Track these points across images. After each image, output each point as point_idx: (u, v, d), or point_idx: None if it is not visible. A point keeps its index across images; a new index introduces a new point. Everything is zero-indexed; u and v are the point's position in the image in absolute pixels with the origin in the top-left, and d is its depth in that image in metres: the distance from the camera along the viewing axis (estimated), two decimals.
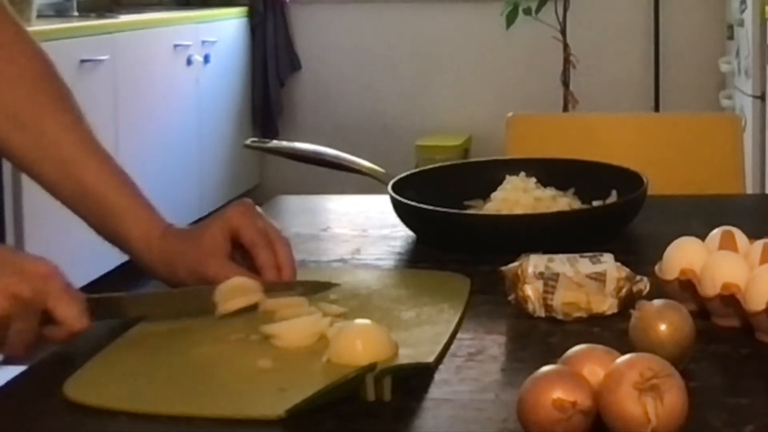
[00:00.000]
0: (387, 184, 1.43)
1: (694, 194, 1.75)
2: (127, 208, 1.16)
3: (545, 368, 0.80)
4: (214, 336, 1.03)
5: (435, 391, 0.90)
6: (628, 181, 1.42)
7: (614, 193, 1.43)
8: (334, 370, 0.92)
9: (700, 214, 1.44)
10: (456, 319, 1.05)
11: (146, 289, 1.20)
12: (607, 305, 1.06)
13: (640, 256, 1.20)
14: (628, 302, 1.04)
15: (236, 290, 1.08)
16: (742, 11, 4.44)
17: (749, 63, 4.31)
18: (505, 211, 1.39)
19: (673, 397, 0.76)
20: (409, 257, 1.35)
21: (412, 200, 1.37)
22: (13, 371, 0.97)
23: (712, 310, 1.03)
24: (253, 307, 1.08)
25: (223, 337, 1.02)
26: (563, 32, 5.05)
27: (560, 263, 1.07)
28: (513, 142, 2.07)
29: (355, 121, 5.61)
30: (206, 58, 4.92)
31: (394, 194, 1.39)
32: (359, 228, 1.48)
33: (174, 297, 1.12)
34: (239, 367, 0.95)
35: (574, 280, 1.06)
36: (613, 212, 1.39)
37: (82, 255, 3.51)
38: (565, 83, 5.08)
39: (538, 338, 1.02)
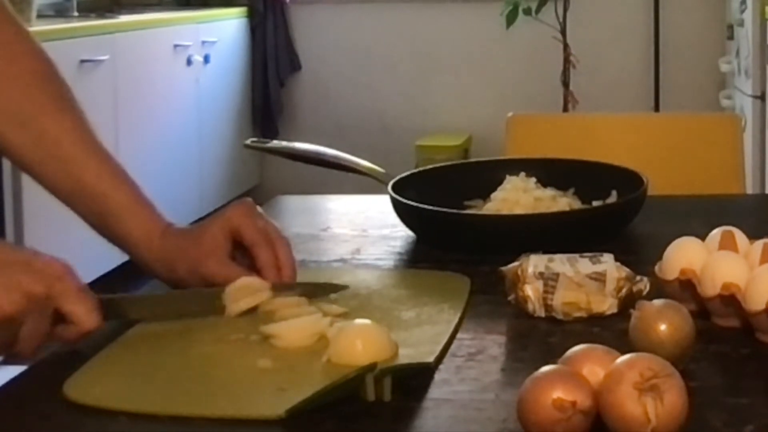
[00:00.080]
0: (387, 184, 1.43)
1: (694, 194, 1.75)
2: (127, 207, 1.16)
3: (545, 368, 0.80)
4: (214, 336, 1.03)
5: (435, 391, 0.90)
6: (628, 181, 1.42)
7: (614, 193, 1.43)
8: (334, 370, 0.91)
9: (700, 214, 1.44)
10: (456, 319, 1.05)
11: (152, 290, 1.20)
12: (607, 305, 1.06)
13: (640, 256, 1.20)
14: (628, 302, 1.04)
15: (244, 290, 1.08)
16: (742, 11, 4.44)
17: (749, 63, 4.31)
18: (505, 211, 1.39)
19: (673, 397, 0.76)
20: (409, 257, 1.35)
21: (412, 200, 1.37)
22: (13, 371, 0.97)
23: (712, 310, 1.03)
24: (254, 308, 1.08)
25: (223, 337, 1.02)
26: (563, 32, 5.05)
27: (560, 263, 1.07)
28: (513, 142, 2.07)
29: (355, 121, 5.61)
30: (206, 58, 4.92)
31: (394, 194, 1.39)
32: (359, 228, 1.48)
33: (183, 298, 1.12)
34: (239, 367, 0.95)
35: (574, 280, 1.06)
36: (613, 212, 1.39)
37: (82, 255, 3.51)
38: (565, 83, 5.08)
39: (538, 338, 1.02)
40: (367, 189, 1.64)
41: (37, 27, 3.83)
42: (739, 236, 1.11)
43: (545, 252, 1.09)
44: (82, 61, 3.85)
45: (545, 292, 1.06)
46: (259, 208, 1.16)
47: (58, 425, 0.88)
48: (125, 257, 1.18)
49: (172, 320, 1.07)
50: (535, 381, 0.78)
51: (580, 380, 0.78)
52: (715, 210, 1.53)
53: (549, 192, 1.42)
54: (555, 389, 0.77)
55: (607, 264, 1.07)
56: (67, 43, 3.80)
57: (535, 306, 1.06)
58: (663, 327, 0.90)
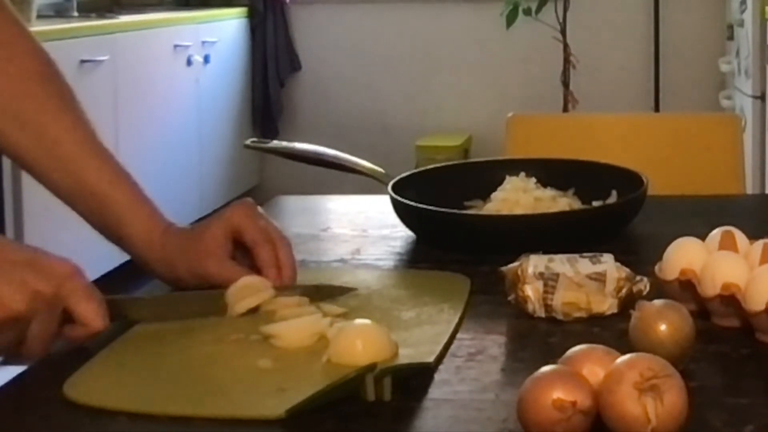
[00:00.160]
0: (387, 185, 1.43)
1: (694, 194, 1.75)
2: (127, 206, 1.16)
3: (545, 368, 0.80)
4: (214, 336, 1.03)
5: (435, 391, 0.90)
6: (628, 181, 1.42)
7: (614, 193, 1.43)
8: (334, 370, 0.91)
9: (700, 214, 1.44)
10: (456, 319, 1.05)
11: (153, 290, 1.20)
12: (607, 305, 1.06)
13: (640, 256, 1.20)
14: (628, 302, 1.04)
15: (247, 290, 1.08)
16: (742, 11, 4.44)
17: (749, 63, 4.31)
18: (505, 212, 1.39)
19: (673, 397, 0.76)
20: (409, 257, 1.35)
21: (412, 200, 1.37)
22: (13, 371, 0.97)
23: (712, 310, 1.03)
24: (255, 307, 1.08)
25: (223, 337, 1.02)
26: (563, 32, 5.05)
27: (560, 263, 1.07)
28: (513, 142, 2.07)
29: (355, 121, 5.61)
30: (206, 59, 4.92)
31: (394, 194, 1.39)
32: (359, 228, 1.48)
33: (185, 299, 1.12)
34: (239, 367, 0.95)
35: (574, 281, 1.06)
36: (613, 212, 1.39)
37: (82, 255, 3.50)
38: (565, 83, 5.08)
39: (538, 338, 1.02)
40: (367, 189, 1.64)
41: (37, 27, 3.83)
42: (739, 236, 1.11)
43: (545, 252, 1.09)
44: (82, 62, 3.85)
45: (545, 292, 1.06)
46: (259, 208, 1.16)
47: (58, 425, 0.88)
48: (126, 257, 1.18)
49: (173, 321, 1.07)
50: (535, 381, 0.78)
51: (580, 380, 0.78)
52: (715, 210, 1.53)
53: (549, 192, 1.43)
54: (555, 389, 0.77)
55: (607, 264, 1.07)
56: (67, 43, 3.80)
57: (535, 306, 1.06)
58: (663, 327, 0.90)
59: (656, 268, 1.11)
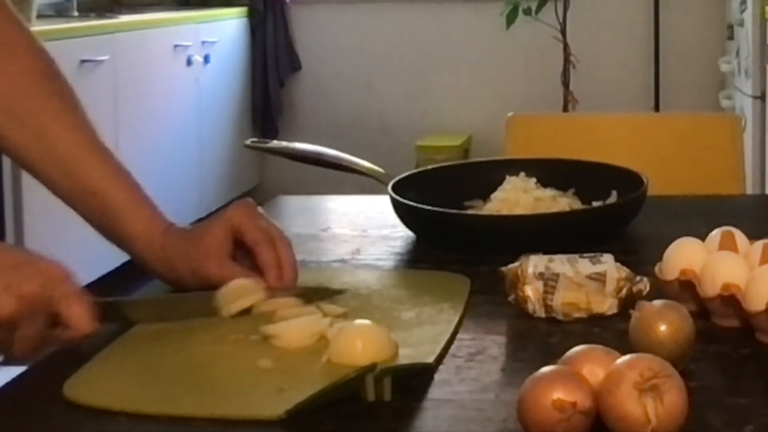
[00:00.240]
0: (387, 185, 1.43)
1: (694, 194, 1.75)
2: (128, 206, 1.16)
3: (545, 368, 0.80)
4: (214, 336, 1.03)
5: (435, 391, 0.90)
6: (628, 181, 1.42)
7: (614, 193, 1.43)
8: (334, 370, 0.92)
9: (700, 214, 1.44)
10: (456, 319, 1.05)
11: (153, 290, 1.20)
12: (607, 305, 1.06)
13: (640, 256, 1.20)
14: (628, 302, 1.04)
15: (238, 291, 1.08)
16: (742, 11, 4.44)
17: (749, 63, 4.31)
18: (505, 212, 1.39)
19: (673, 397, 0.77)
20: (409, 257, 1.35)
21: (412, 200, 1.37)
22: (13, 371, 0.97)
23: (712, 311, 1.03)
24: (248, 309, 1.08)
25: (223, 337, 1.02)
26: (563, 32, 5.04)
27: (560, 263, 1.07)
28: (513, 142, 2.07)
29: (355, 121, 5.61)
30: (206, 59, 4.92)
31: (394, 194, 1.39)
32: (359, 228, 1.48)
33: (177, 301, 1.12)
34: (239, 367, 0.95)
35: (574, 281, 1.06)
36: (613, 212, 1.39)
37: (82, 255, 3.50)
38: (565, 83, 5.08)
39: (538, 338, 1.02)
40: (367, 189, 1.64)
41: (37, 27, 3.83)
42: (739, 236, 1.11)
43: (545, 252, 1.09)
44: (82, 61, 3.85)
45: (545, 292, 1.06)
46: (259, 209, 1.16)
47: (58, 425, 0.88)
48: (126, 257, 1.18)
49: (164, 322, 1.07)
50: (535, 381, 0.78)
51: (580, 381, 0.78)
52: (715, 210, 1.53)
53: (549, 192, 1.43)
54: (555, 390, 0.77)
55: (607, 264, 1.07)
56: (67, 43, 3.80)
57: (535, 306, 1.06)
58: (663, 327, 0.90)
59: (656, 268, 1.11)
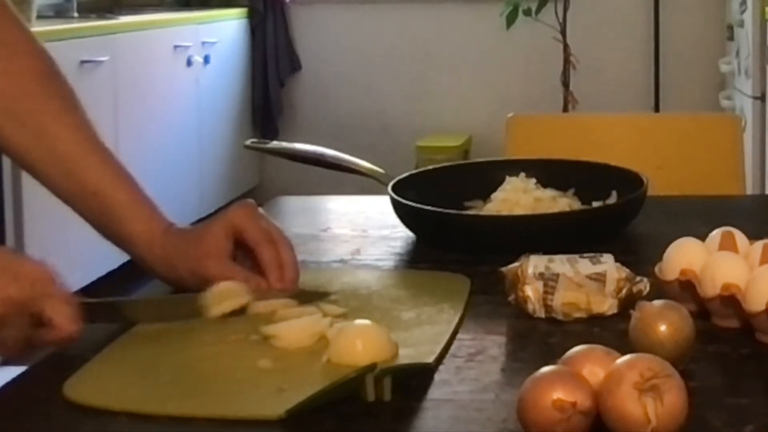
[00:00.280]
0: (387, 185, 1.43)
1: (694, 194, 1.75)
2: (128, 206, 1.16)
3: (545, 369, 0.80)
4: (214, 336, 1.03)
5: (435, 392, 0.90)
6: (628, 181, 1.42)
7: (614, 193, 1.43)
8: (334, 370, 0.92)
9: (700, 214, 1.44)
10: (456, 320, 1.05)
11: (153, 291, 1.20)
12: (607, 306, 1.06)
13: (640, 256, 1.20)
14: (628, 303, 1.04)
15: (225, 294, 1.08)
16: (742, 12, 4.44)
17: (749, 63, 4.31)
18: (505, 212, 1.39)
19: (673, 397, 0.77)
20: (409, 258, 1.35)
21: (412, 201, 1.37)
22: (13, 371, 0.97)
23: (712, 311, 1.03)
24: (241, 311, 1.08)
25: (223, 337, 1.02)
26: (563, 32, 5.04)
27: (560, 264, 1.07)
28: (513, 142, 2.07)
29: (355, 121, 5.61)
30: (206, 59, 4.92)
31: (394, 195, 1.39)
32: (359, 228, 1.48)
33: (163, 303, 1.12)
34: (239, 367, 0.95)
35: (574, 281, 1.06)
36: (613, 212, 1.39)
37: (83, 255, 3.51)
38: (565, 83, 5.08)
39: (538, 338, 1.02)
40: (367, 189, 1.64)
41: (37, 27, 3.82)
42: (739, 237, 1.11)
43: (545, 252, 1.09)
44: (82, 62, 3.85)
45: (545, 292, 1.06)
46: (260, 209, 1.16)
47: (58, 425, 0.88)
48: (126, 257, 1.18)
49: (154, 323, 1.07)
50: (535, 381, 0.78)
51: (580, 381, 0.78)
52: (715, 210, 1.53)
53: (549, 192, 1.43)
54: (555, 390, 0.77)
55: (607, 264, 1.07)
56: (67, 43, 3.80)
57: (535, 306, 1.06)
58: (663, 327, 0.90)
59: (656, 268, 1.11)
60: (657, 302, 0.93)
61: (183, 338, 1.03)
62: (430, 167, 1.58)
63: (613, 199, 1.43)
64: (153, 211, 1.18)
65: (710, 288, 1.02)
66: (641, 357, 0.79)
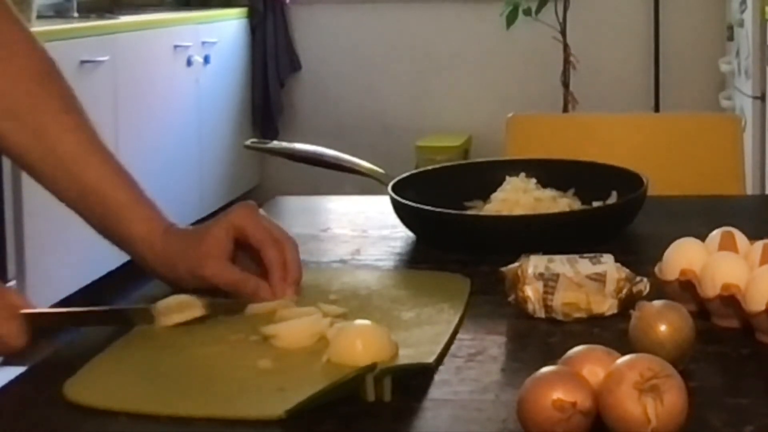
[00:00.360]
0: (387, 185, 1.43)
1: (694, 194, 1.75)
2: (128, 206, 1.16)
3: (545, 369, 0.80)
4: (214, 336, 1.03)
5: (435, 392, 0.90)
6: (628, 181, 1.42)
7: (614, 193, 1.43)
8: (334, 370, 0.92)
9: (700, 214, 1.45)
10: (456, 320, 1.05)
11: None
12: (607, 306, 1.06)
13: (640, 256, 1.20)
14: (628, 303, 1.04)
15: (176, 306, 1.07)
16: (742, 12, 4.44)
17: (749, 63, 4.31)
18: (505, 212, 1.39)
19: (673, 397, 0.77)
20: (409, 258, 1.35)
21: (412, 201, 1.37)
22: (13, 371, 0.97)
23: (712, 311, 1.03)
24: (197, 320, 1.07)
25: (223, 337, 1.02)
26: (563, 32, 5.05)
27: (560, 264, 1.07)
28: (513, 142, 2.07)
29: (355, 121, 5.61)
30: (206, 59, 4.92)
31: (394, 195, 1.39)
32: (359, 228, 1.48)
33: (112, 314, 1.12)
34: (239, 367, 0.95)
35: (574, 281, 1.06)
36: (613, 212, 1.39)
37: (82, 255, 3.51)
38: (565, 83, 5.08)
39: (538, 339, 1.02)
40: (367, 189, 1.64)
41: (37, 27, 3.82)
42: (739, 237, 1.11)
43: (545, 252, 1.09)
44: (82, 62, 3.85)
45: (545, 292, 1.06)
46: (261, 210, 1.16)
47: (58, 425, 0.88)
48: (126, 257, 1.18)
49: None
50: (535, 381, 0.78)
51: (580, 381, 0.78)
52: (715, 210, 1.54)
53: (549, 192, 1.43)
54: (555, 390, 0.77)
55: (607, 264, 1.07)
56: (67, 43, 3.80)
57: (535, 306, 1.06)
58: (663, 328, 0.90)
59: (656, 268, 1.11)
60: (657, 302, 0.93)
61: (183, 338, 1.03)
62: (430, 167, 1.58)
63: (613, 199, 1.43)
64: (153, 211, 1.18)
65: (710, 288, 1.02)
66: (641, 357, 0.79)
